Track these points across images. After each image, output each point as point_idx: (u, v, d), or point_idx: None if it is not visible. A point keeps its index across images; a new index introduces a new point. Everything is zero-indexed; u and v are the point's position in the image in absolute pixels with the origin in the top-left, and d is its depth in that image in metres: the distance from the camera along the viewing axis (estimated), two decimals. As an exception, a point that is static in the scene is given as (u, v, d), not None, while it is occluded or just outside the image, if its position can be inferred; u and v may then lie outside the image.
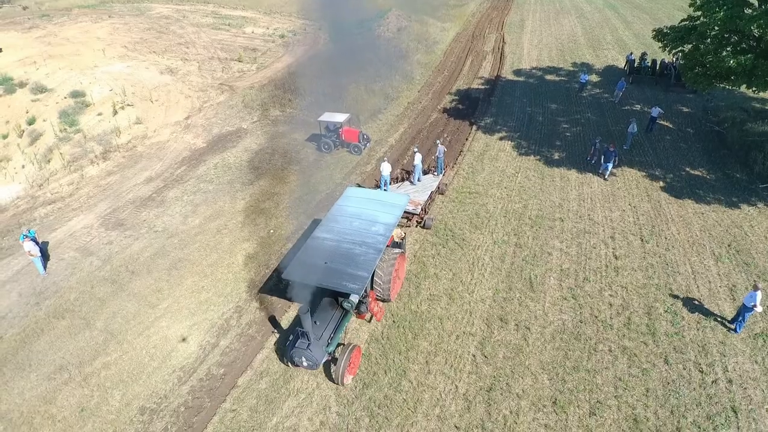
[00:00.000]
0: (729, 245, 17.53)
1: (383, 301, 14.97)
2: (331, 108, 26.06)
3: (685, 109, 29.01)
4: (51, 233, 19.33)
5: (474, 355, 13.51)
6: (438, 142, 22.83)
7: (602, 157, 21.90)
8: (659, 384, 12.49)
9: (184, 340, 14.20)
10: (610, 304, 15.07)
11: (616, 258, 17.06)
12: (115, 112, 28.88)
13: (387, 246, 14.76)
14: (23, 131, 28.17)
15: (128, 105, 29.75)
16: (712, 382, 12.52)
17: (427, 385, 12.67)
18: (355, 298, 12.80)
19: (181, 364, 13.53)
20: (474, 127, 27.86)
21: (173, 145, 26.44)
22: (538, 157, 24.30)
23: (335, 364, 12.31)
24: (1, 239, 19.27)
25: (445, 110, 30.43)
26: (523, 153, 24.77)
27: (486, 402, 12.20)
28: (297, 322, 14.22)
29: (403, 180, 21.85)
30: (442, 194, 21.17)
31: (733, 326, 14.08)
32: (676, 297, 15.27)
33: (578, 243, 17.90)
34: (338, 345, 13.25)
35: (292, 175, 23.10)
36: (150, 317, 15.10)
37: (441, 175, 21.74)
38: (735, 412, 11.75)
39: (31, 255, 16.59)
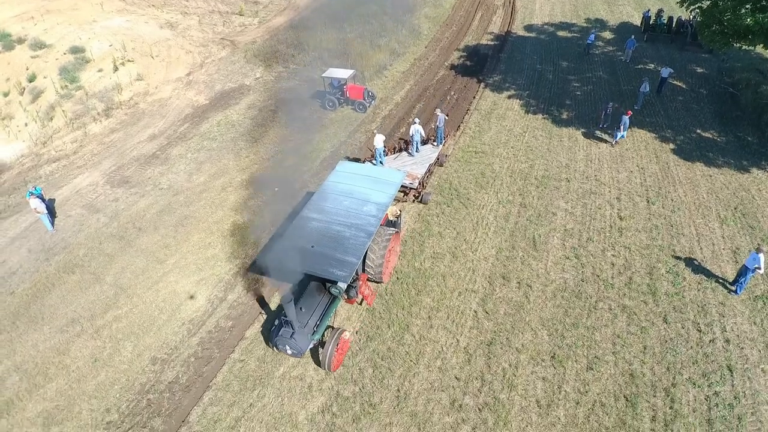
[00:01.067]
0: (735, 208, 17.43)
1: (375, 282, 14.49)
2: (335, 63, 25.45)
3: (700, 70, 28.13)
4: (57, 191, 19.44)
5: (475, 311, 13.77)
6: (438, 110, 20.78)
7: (618, 123, 20.59)
8: (657, 342, 12.74)
9: (191, 297, 14.44)
10: (613, 264, 15.17)
11: (620, 219, 17.03)
12: (116, 69, 28.33)
13: (381, 225, 14.08)
14: (24, 88, 27.79)
15: (129, 61, 29.14)
16: (710, 341, 12.74)
17: (430, 339, 12.99)
18: (343, 285, 12.17)
19: (190, 317, 13.88)
20: (482, 85, 27.21)
21: (175, 102, 26.10)
22: (547, 116, 23.85)
23: (323, 348, 11.86)
24: (8, 197, 19.42)
25: (452, 67, 29.63)
26: (532, 112, 24.30)
27: (486, 355, 12.53)
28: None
29: (400, 150, 20.42)
30: (441, 166, 20.07)
31: (734, 288, 14.19)
32: (678, 258, 15.33)
33: (583, 203, 17.83)
34: (327, 327, 12.72)
35: (296, 133, 22.86)
36: (158, 272, 15.38)
37: (440, 146, 20.36)
38: (731, 370, 11.99)
39: (38, 212, 16.73)
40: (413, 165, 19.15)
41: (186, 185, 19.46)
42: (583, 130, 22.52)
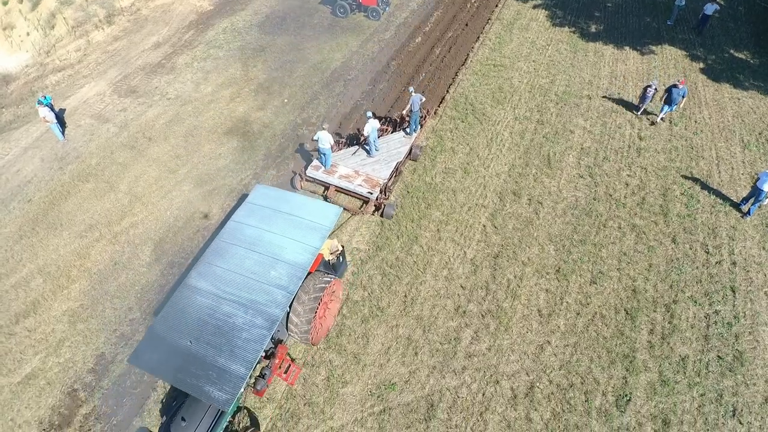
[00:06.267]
0: (760, 133, 16.74)
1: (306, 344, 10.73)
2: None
3: (740, -15, 25.76)
4: (65, 100, 19.15)
5: (484, 225, 13.86)
6: (411, 89, 15.74)
7: (666, 96, 16.58)
8: (663, 261, 12.83)
9: (206, 216, 14.43)
10: (627, 184, 14.93)
11: (640, 139, 16.49)
12: (114, -30, 26.61)
13: (311, 272, 10.59)
14: (22, -6, 26.43)
15: (127, -39, 27.27)
16: (716, 262, 12.79)
17: (437, 251, 13.23)
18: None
19: (205, 224, 14.17)
20: (505, -7, 25.32)
21: (179, 7, 24.77)
22: (573, 29, 22.34)
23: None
24: (17, 107, 19.20)
25: (474, -27, 27.35)
26: (557, 24, 22.75)
27: (492, 267, 12.80)
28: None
29: (358, 143, 15.79)
30: (415, 160, 15.83)
31: (744, 209, 13.99)
32: (695, 180, 15.01)
33: (603, 122, 17.21)
34: (238, 409, 9.89)
35: (306, 41, 21.79)
36: (171, 181, 15.51)
37: (414, 135, 16.00)
38: (733, 291, 12.14)
39: (47, 121, 16.57)
40: (375, 164, 15.05)
41: (194, 95, 19.02)
42: (611, 44, 21.16)
